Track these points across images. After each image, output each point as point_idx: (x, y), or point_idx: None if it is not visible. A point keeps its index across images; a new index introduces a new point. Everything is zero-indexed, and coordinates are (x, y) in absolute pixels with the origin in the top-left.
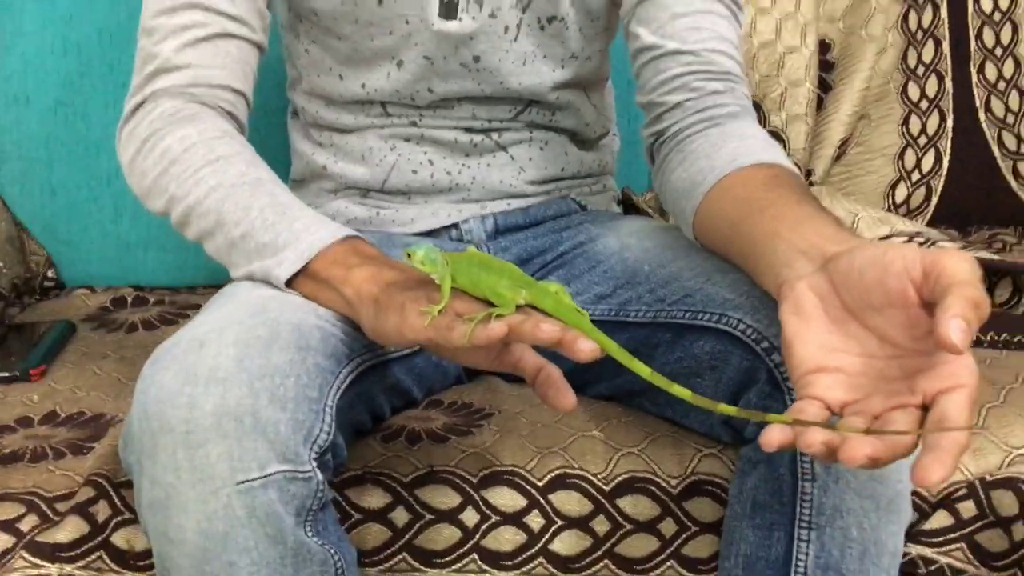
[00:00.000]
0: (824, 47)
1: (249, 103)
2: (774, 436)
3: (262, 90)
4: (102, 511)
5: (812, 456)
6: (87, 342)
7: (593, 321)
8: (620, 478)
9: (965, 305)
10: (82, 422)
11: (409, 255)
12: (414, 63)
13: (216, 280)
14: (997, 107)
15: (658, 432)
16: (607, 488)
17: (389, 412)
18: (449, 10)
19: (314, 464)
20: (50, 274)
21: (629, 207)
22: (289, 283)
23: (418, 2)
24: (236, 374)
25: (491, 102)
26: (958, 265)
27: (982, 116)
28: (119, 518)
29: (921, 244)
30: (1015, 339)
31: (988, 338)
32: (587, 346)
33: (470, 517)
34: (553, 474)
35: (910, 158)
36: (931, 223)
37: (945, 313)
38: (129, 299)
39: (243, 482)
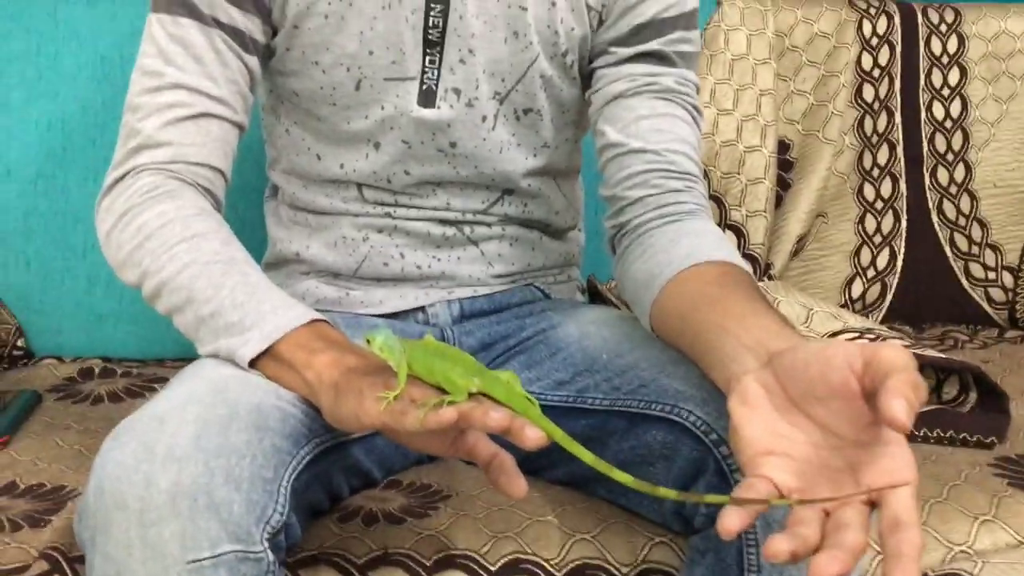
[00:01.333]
0: (783, 147)
1: (227, 180)
2: (732, 522)
3: (242, 169)
4: None
5: (778, 563)
6: (52, 412)
7: (551, 407)
8: (572, 564)
9: (905, 387)
10: (41, 494)
11: (369, 341)
12: (392, 146)
13: (185, 354)
14: (949, 209)
15: (611, 519)
16: (560, 574)
17: (348, 492)
18: (428, 99)
19: (266, 544)
20: (19, 343)
21: (595, 295)
22: (253, 363)
23: (396, 90)
24: (193, 453)
25: (467, 189)
26: (895, 354)
27: (935, 218)
28: None
29: (871, 339)
30: (960, 436)
31: (935, 435)
32: (533, 434)
33: None
34: (506, 559)
35: (866, 255)
36: (886, 318)
37: (887, 394)
38: (97, 370)
39: (194, 561)
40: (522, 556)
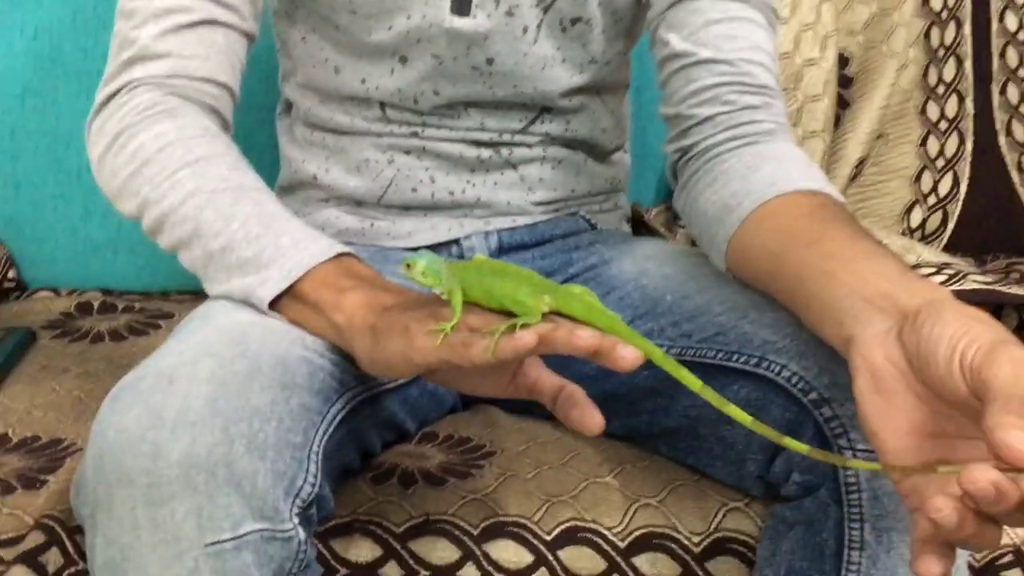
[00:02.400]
0: (843, 61)
1: (235, 98)
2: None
3: (250, 82)
4: (53, 560)
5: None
6: (47, 353)
7: None
8: (637, 533)
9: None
10: (36, 448)
11: (409, 265)
12: (420, 61)
13: (191, 286)
14: (1018, 131)
15: (678, 481)
16: (622, 545)
17: (380, 448)
18: (462, 6)
19: (296, 521)
20: (10, 274)
21: (638, 224)
22: (273, 305)
23: None
24: (209, 417)
25: (502, 109)
26: (1010, 376)
27: (1002, 140)
28: (72, 568)
29: (950, 276)
30: None
31: None
32: (629, 353)
33: (470, 574)
34: (563, 527)
35: (927, 181)
36: (946, 248)
37: (996, 430)
38: (96, 304)
39: (213, 544)
40: (580, 524)
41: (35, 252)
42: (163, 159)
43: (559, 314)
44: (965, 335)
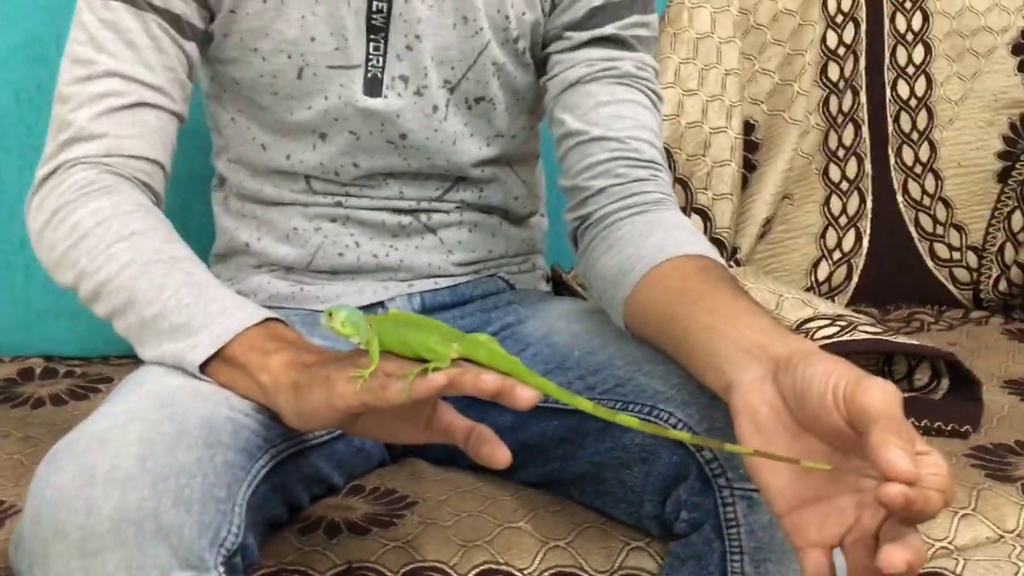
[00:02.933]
0: (748, 127)
1: (167, 173)
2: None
3: (189, 156)
4: None
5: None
6: None
7: None
8: (547, 573)
9: (891, 436)
10: None
11: (330, 315)
12: (339, 137)
13: (130, 351)
14: (914, 189)
15: (586, 523)
16: None
17: (308, 501)
18: (374, 88)
19: (221, 569)
20: None
21: (558, 284)
22: (203, 368)
23: (340, 79)
24: (138, 475)
25: (419, 179)
26: (876, 399)
27: (900, 198)
28: None
29: (842, 328)
30: (935, 425)
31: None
32: (526, 393)
33: None
34: (478, 570)
35: (831, 237)
36: (852, 300)
37: (880, 450)
38: (38, 370)
39: None
40: (494, 566)
41: None
42: (100, 233)
43: (467, 360)
44: (834, 372)
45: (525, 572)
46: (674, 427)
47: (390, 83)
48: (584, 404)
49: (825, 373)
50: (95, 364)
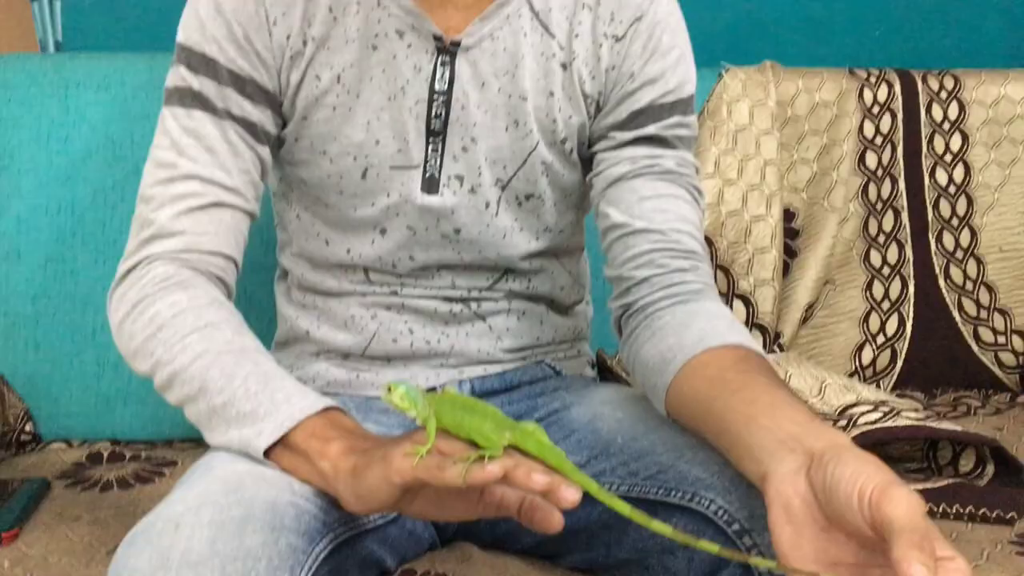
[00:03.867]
0: (789, 215)
1: (238, 268)
2: None
3: (252, 249)
4: None
5: None
6: (61, 501)
7: None
8: None
9: (914, 550)
10: None
11: (390, 389)
12: (398, 232)
13: (193, 434)
14: (956, 274)
15: None
16: None
17: None
18: (431, 186)
19: None
20: (27, 428)
21: (603, 369)
22: (267, 454)
23: (400, 178)
24: (209, 558)
25: (470, 271)
26: (900, 508)
27: (942, 283)
28: None
29: (885, 414)
30: (980, 512)
31: (954, 510)
32: (571, 495)
33: None
34: None
35: (874, 322)
36: (897, 385)
37: (903, 564)
38: (105, 454)
39: None
40: None
41: (51, 407)
42: (176, 324)
43: (516, 448)
44: (862, 474)
45: None
46: (715, 513)
47: (446, 181)
48: (622, 507)
49: (853, 474)
50: (159, 448)
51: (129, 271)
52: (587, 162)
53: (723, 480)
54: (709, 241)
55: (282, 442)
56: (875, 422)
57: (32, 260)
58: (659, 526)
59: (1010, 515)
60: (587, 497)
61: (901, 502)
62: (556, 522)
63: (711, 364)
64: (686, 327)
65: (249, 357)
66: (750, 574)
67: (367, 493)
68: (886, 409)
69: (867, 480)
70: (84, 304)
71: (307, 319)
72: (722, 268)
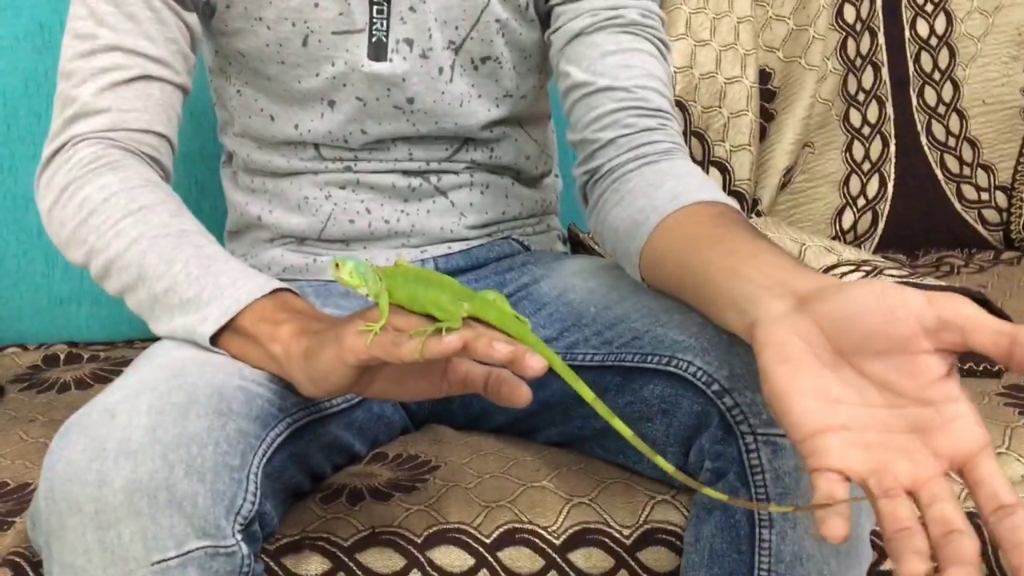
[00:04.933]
0: (764, 76)
1: (174, 147)
2: (839, 527)
3: (199, 134)
4: None
5: None
6: (15, 405)
7: None
8: (571, 531)
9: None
10: (4, 493)
11: (337, 265)
12: (347, 104)
13: (153, 335)
14: (938, 131)
15: (609, 479)
16: (558, 542)
17: (331, 470)
18: (378, 51)
19: (239, 537)
20: None
21: (576, 244)
22: (215, 341)
23: (345, 44)
24: (149, 446)
25: (426, 141)
26: (965, 309)
27: (924, 140)
28: None
29: (868, 273)
30: (966, 365)
31: None
32: (536, 363)
33: None
34: (501, 530)
35: (855, 184)
36: (879, 248)
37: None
38: (62, 356)
39: (159, 562)
40: (518, 525)
41: (1, 310)
42: (107, 209)
43: (476, 319)
44: (892, 291)
45: (549, 530)
46: (693, 375)
47: (395, 46)
48: (587, 393)
49: (874, 294)
50: (119, 348)
51: (54, 154)
52: (545, 18)
53: (701, 341)
54: (682, 106)
55: (230, 327)
56: (861, 279)
57: None
58: (619, 425)
59: (997, 367)
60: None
61: (967, 304)
62: (524, 395)
63: (686, 222)
64: (657, 187)
65: (189, 240)
66: (731, 434)
67: (321, 376)
68: (868, 268)
69: (912, 295)
70: (27, 201)
71: (257, 204)
72: (696, 134)
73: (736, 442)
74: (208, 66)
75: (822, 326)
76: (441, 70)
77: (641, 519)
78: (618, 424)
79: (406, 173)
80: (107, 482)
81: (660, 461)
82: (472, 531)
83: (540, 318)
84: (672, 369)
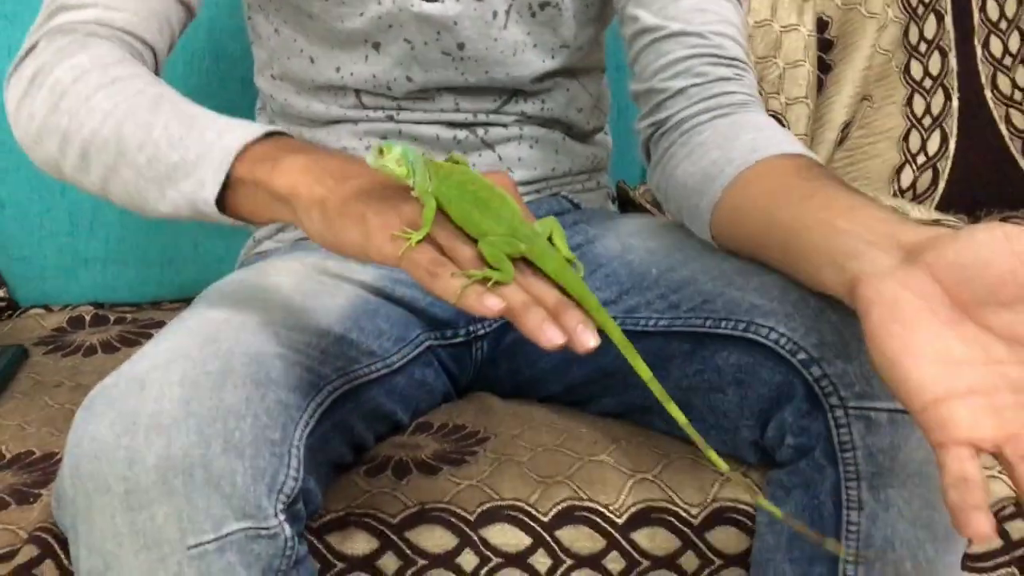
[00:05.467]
0: (822, 24)
1: (159, 62)
2: (984, 526)
3: (228, 84)
4: (47, 573)
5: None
6: (40, 368)
7: (602, 332)
8: (634, 509)
9: None
10: (29, 463)
11: (381, 151)
12: (393, 47)
13: (184, 294)
14: (1004, 84)
15: (674, 454)
16: (620, 521)
17: (373, 440)
18: None
19: (281, 517)
20: (1, 294)
21: (625, 202)
22: (223, 206)
23: None
24: (183, 419)
25: (474, 92)
26: None
27: (988, 94)
28: None
29: None
30: None
31: None
32: (589, 340)
33: (468, 560)
34: (559, 507)
35: (915, 140)
36: (939, 207)
37: None
38: (87, 318)
39: (195, 546)
40: (577, 503)
41: (24, 270)
42: (79, 88)
43: (532, 264)
44: (1014, 229)
45: (611, 509)
46: (776, 342)
47: None
48: (643, 370)
49: (1004, 237)
50: (146, 310)
51: (29, 50)
52: None
53: (784, 305)
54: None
55: (229, 184)
56: None
57: None
58: (675, 411)
59: None
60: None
61: None
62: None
63: (768, 174)
64: (732, 140)
65: (168, 101)
66: (818, 408)
67: (336, 248)
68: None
69: None
70: None
71: None
72: None
73: (824, 416)
74: (247, 3)
75: (939, 277)
76: (495, 14)
77: (710, 497)
78: (673, 409)
79: (451, 125)
80: (138, 459)
81: (713, 456)
82: (528, 508)
83: (596, 279)
84: (750, 335)
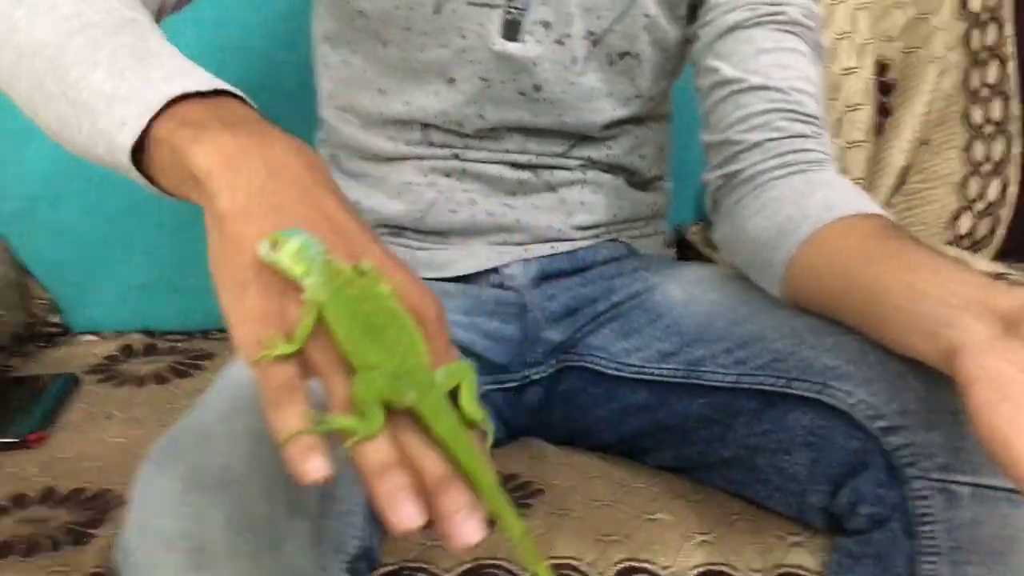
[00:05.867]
0: (882, 68)
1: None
2: None
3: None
4: None
5: None
6: (91, 398)
7: (659, 383)
8: (693, 572)
9: None
10: (83, 500)
11: (276, 243)
12: (468, 83)
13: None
14: None
15: (735, 515)
16: None
17: None
18: (512, 31)
19: None
20: (55, 320)
21: (682, 246)
22: (140, 161)
23: (478, 17)
24: (249, 475)
25: (543, 134)
26: None
27: None
28: None
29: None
30: None
31: None
32: (469, 535)
33: None
34: (617, 568)
35: (974, 186)
36: (997, 256)
37: None
38: (139, 347)
39: None
40: (635, 564)
41: (78, 296)
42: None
43: (418, 417)
44: None
45: (670, 570)
46: (853, 406)
47: (530, 28)
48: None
49: None
50: (196, 339)
51: None
52: (691, 12)
53: (862, 369)
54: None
55: (149, 140)
56: None
57: (43, 136)
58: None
59: None
60: (686, 388)
61: None
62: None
63: (847, 233)
64: (807, 196)
65: (137, 28)
66: (897, 478)
67: (215, 287)
68: (1006, 282)
69: None
70: (101, 182)
71: (356, 188)
72: None
73: (902, 487)
74: (314, 33)
75: None
76: (575, 60)
77: (772, 562)
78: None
79: (515, 166)
80: (205, 517)
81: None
82: (585, 568)
83: (657, 330)
84: (825, 399)
